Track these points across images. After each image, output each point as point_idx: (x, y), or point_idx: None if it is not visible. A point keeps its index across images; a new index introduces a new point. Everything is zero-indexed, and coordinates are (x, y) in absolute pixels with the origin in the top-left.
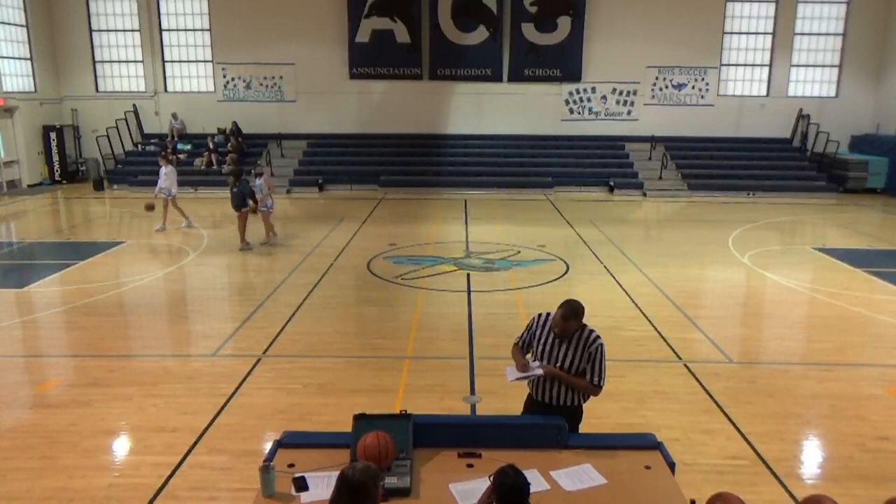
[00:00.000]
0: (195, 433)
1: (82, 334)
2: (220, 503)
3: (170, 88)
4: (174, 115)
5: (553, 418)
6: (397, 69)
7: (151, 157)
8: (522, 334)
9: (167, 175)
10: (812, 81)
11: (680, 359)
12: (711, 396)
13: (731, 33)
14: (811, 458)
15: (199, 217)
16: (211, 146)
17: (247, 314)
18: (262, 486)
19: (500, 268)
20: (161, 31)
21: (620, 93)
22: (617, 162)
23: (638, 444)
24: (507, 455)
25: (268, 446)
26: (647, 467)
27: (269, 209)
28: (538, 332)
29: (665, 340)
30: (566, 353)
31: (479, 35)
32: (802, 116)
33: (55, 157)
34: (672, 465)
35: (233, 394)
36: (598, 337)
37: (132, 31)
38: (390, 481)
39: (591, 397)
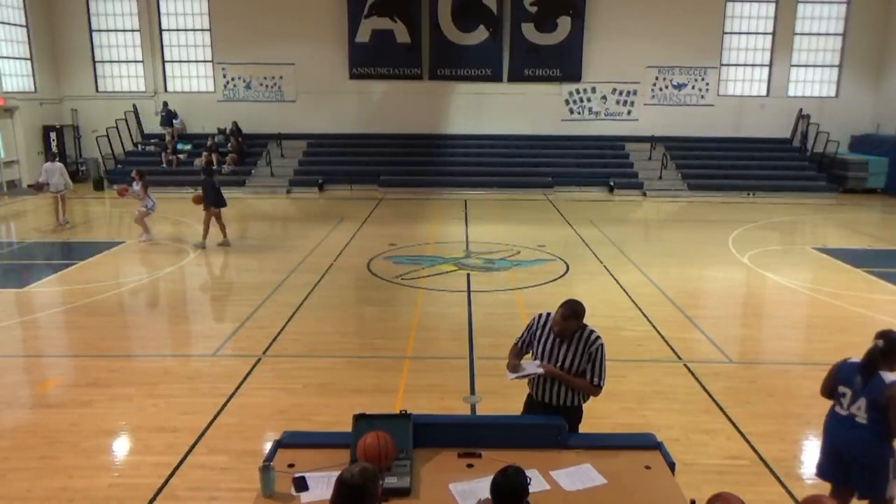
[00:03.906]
0: (195, 433)
1: (82, 334)
2: (220, 503)
3: (170, 88)
4: (175, 115)
5: (553, 418)
6: (397, 69)
7: (151, 158)
8: (522, 334)
9: (50, 171)
10: (812, 81)
11: (680, 359)
12: (711, 396)
13: (731, 33)
14: (811, 458)
15: (198, 217)
16: (210, 146)
17: (247, 314)
18: (262, 486)
19: (500, 268)
20: (161, 31)
21: (620, 93)
22: (617, 162)
23: (638, 444)
24: (507, 455)
25: (268, 446)
26: (647, 467)
27: (149, 210)
28: (538, 333)
29: (665, 340)
30: (566, 354)
31: (479, 35)
32: (802, 116)
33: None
34: (672, 465)
35: (233, 394)
36: (598, 337)
37: (132, 31)
38: (390, 481)
39: (591, 397)
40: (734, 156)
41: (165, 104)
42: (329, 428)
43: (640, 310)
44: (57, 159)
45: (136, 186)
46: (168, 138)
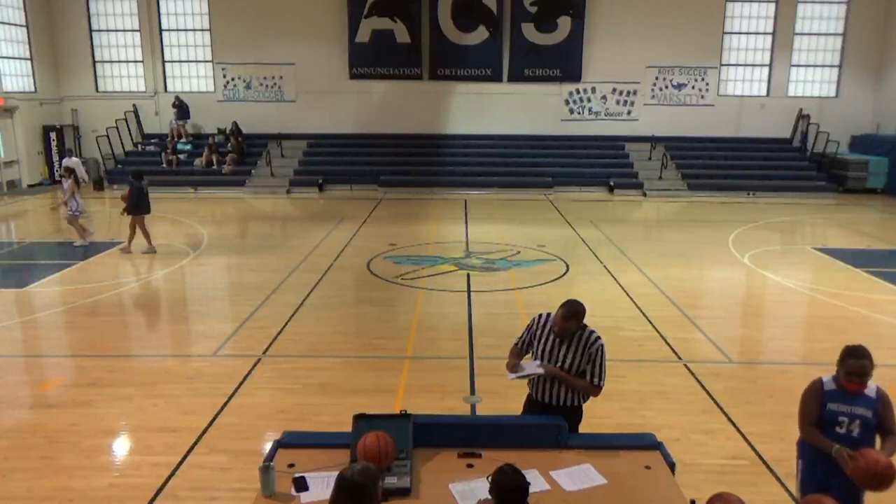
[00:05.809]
0: (195, 433)
1: (82, 334)
2: (220, 503)
3: (170, 88)
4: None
5: (553, 418)
6: (397, 69)
7: (151, 158)
8: (522, 335)
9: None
10: (812, 81)
11: (680, 359)
12: (711, 396)
13: (731, 33)
14: None
15: (198, 216)
16: (211, 146)
17: (247, 314)
18: (262, 486)
19: (500, 268)
20: (161, 31)
21: (620, 93)
22: (617, 162)
23: (638, 444)
24: (507, 455)
25: (268, 446)
26: (647, 467)
27: (74, 212)
28: (538, 333)
29: (665, 340)
30: (566, 354)
31: (479, 35)
32: (802, 116)
33: (55, 157)
34: (672, 465)
35: (233, 394)
36: (598, 338)
37: (132, 31)
38: (390, 481)
39: (591, 397)
40: (734, 156)
41: (178, 98)
42: (329, 428)
43: (640, 310)
44: (73, 155)
45: (65, 184)
46: (181, 131)
